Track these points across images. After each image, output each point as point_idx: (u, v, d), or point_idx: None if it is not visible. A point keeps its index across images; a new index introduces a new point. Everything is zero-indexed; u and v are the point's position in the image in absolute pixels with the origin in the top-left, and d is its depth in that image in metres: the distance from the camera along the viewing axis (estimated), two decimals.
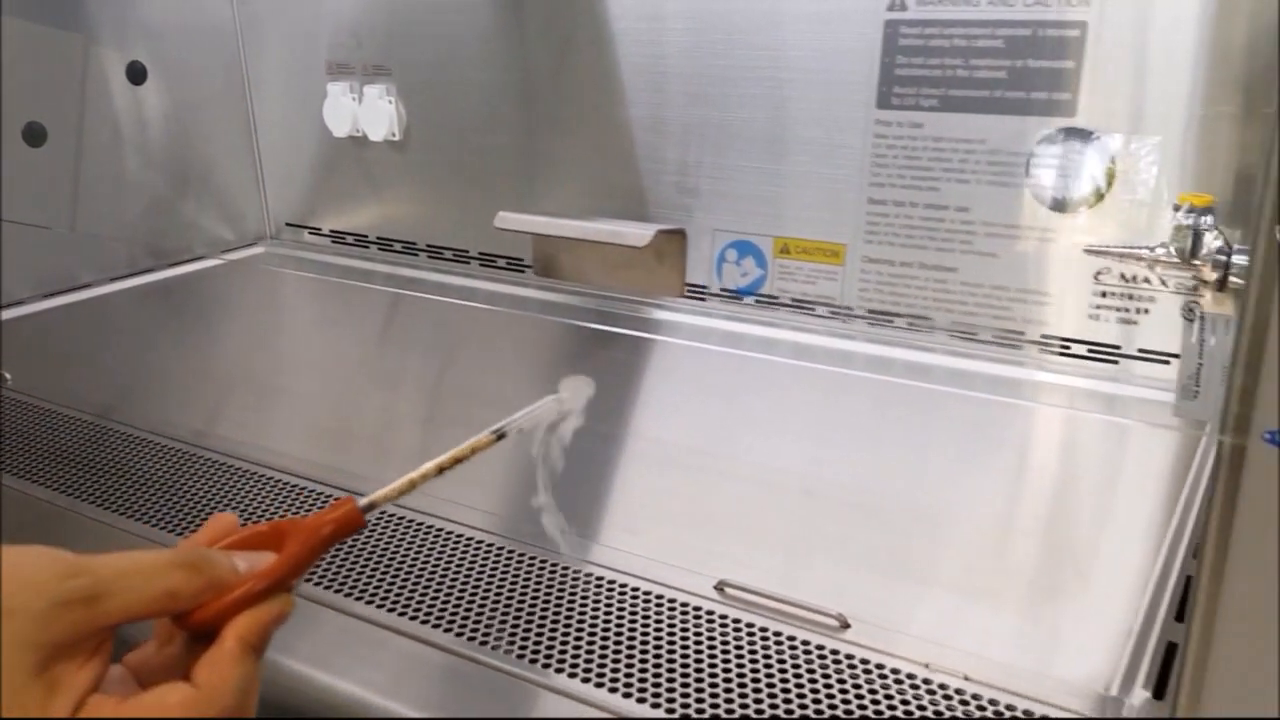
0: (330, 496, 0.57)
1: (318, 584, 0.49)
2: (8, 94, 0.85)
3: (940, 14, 0.70)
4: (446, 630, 0.46)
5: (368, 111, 0.98)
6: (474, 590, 0.49)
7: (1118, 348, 0.70)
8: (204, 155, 1.04)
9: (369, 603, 0.48)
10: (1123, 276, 0.69)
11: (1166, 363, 0.68)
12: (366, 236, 1.04)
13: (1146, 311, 0.69)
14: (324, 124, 1.00)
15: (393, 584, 0.49)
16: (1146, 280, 0.69)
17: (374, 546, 0.52)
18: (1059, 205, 0.69)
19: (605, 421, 0.69)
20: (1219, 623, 0.32)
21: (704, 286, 0.85)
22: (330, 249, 1.07)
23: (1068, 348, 0.72)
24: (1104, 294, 0.70)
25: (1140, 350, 0.70)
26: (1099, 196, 0.68)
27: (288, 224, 1.09)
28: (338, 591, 0.49)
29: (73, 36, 0.91)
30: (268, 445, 0.63)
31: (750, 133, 0.79)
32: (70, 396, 0.70)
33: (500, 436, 0.38)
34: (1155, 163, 0.66)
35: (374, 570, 0.50)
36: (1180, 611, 0.47)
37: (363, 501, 0.34)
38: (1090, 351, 0.71)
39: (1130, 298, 0.69)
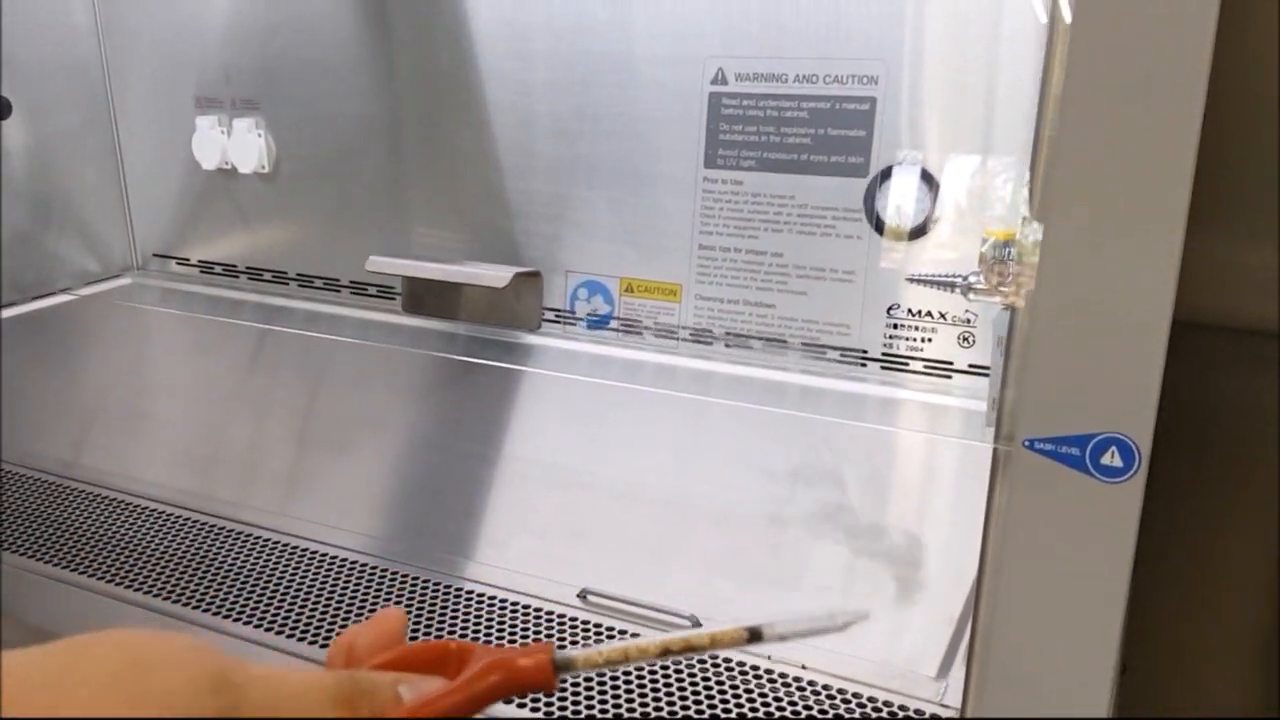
0: (199, 524, 0.54)
1: (195, 607, 0.46)
2: None
3: (755, 89, 0.73)
4: (324, 646, 0.44)
5: (237, 145, 0.94)
6: (350, 608, 0.47)
7: (950, 363, 0.74)
8: (68, 188, 0.99)
9: (247, 623, 0.45)
10: (910, 311, 0.73)
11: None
12: (236, 266, 1.00)
13: (930, 340, 0.73)
14: (193, 156, 0.96)
15: (270, 604, 0.47)
16: (929, 314, 0.73)
17: (249, 569, 0.49)
18: (893, 234, 0.72)
19: (473, 443, 0.67)
20: (998, 609, 0.34)
21: (559, 320, 0.85)
22: (199, 279, 1.02)
23: (887, 363, 0.75)
24: (896, 325, 0.74)
25: (970, 365, 0.74)
26: (922, 230, 0.72)
27: (155, 255, 1.04)
28: (215, 613, 0.46)
29: None
30: (136, 474, 0.60)
31: (600, 181, 0.82)
32: None
33: (755, 637, 0.28)
34: (966, 204, 0.70)
35: (250, 591, 0.48)
36: None
37: (559, 657, 0.27)
38: (926, 367, 0.75)
39: (916, 329, 0.73)
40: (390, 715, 0.24)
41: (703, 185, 0.78)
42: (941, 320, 0.74)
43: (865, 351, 0.76)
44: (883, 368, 0.76)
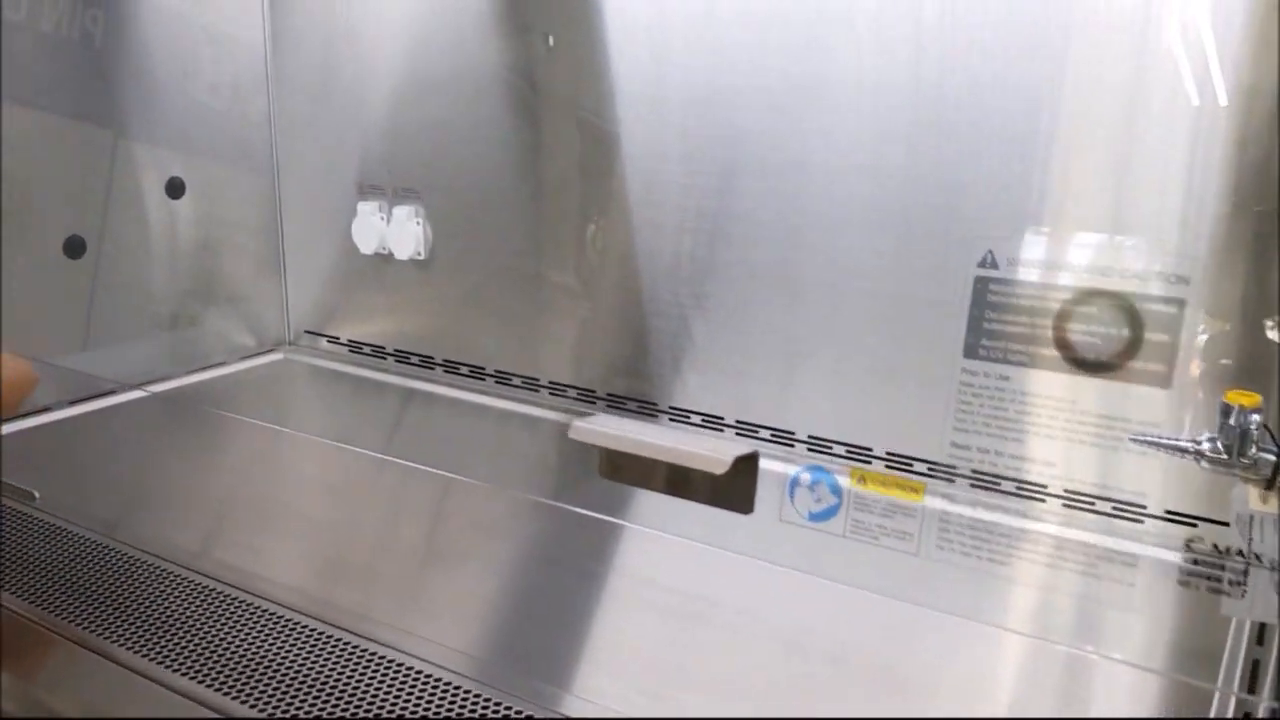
0: (321, 634, 0.53)
1: None
2: (37, 194, 0.85)
3: (1031, 276, 0.68)
4: None
5: (395, 231, 0.97)
6: None
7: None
8: (232, 267, 1.04)
9: None
10: (1216, 547, 0.65)
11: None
12: (384, 348, 1.03)
13: (1240, 585, 0.65)
14: (350, 240, 1.00)
15: None
16: (1239, 553, 0.64)
17: (338, 683, 0.48)
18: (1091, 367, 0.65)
19: (622, 578, 0.63)
20: None
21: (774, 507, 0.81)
22: (347, 358, 1.06)
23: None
24: (1196, 560, 0.66)
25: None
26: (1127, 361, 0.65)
27: (307, 331, 1.08)
28: None
29: (102, 134, 0.91)
30: (260, 572, 0.60)
31: (836, 361, 0.77)
32: (79, 514, 0.67)
33: None
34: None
35: (345, 707, 0.45)
36: None
37: None
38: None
39: (1220, 580, 0.65)
40: None
41: (960, 377, 0.73)
42: (1256, 562, 0.65)
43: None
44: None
